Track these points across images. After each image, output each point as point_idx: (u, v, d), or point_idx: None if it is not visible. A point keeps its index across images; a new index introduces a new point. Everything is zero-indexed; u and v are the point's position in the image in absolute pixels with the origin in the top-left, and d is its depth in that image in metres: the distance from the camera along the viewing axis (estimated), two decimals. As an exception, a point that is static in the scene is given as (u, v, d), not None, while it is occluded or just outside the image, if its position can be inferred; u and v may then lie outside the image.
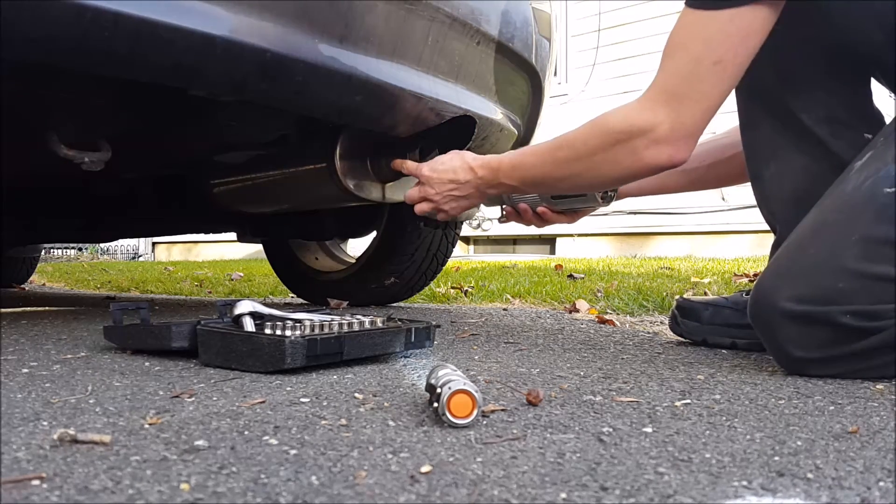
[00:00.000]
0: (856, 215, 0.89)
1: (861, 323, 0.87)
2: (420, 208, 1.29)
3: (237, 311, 1.02)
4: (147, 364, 1.01)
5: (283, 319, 1.06)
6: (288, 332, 0.95)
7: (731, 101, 1.18)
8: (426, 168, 1.27)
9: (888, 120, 1.00)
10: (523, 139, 1.73)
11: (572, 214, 1.32)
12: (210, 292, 3.02)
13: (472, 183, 1.20)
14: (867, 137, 1.01)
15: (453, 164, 1.23)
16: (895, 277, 0.85)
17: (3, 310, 2.01)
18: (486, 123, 1.50)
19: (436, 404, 0.67)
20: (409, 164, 1.34)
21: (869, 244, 0.87)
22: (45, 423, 0.66)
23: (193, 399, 0.78)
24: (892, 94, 1.03)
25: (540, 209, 1.30)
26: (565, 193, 1.24)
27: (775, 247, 1.12)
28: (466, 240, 6.90)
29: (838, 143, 1.04)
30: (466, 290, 2.44)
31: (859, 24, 0.95)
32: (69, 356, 1.07)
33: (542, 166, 1.09)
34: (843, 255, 0.88)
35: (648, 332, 1.44)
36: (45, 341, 1.25)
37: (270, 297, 2.70)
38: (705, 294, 2.06)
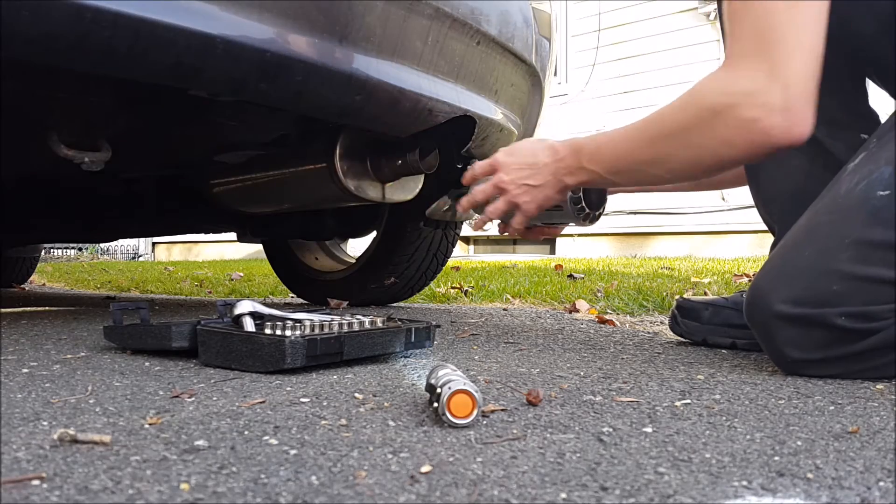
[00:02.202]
0: (849, 218, 0.89)
1: (857, 325, 0.87)
2: (494, 209, 1.11)
3: (237, 311, 1.02)
4: (147, 364, 1.01)
5: (283, 319, 1.06)
6: (288, 332, 0.95)
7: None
8: (502, 153, 1.10)
9: (883, 119, 1.00)
10: (523, 139, 1.73)
11: (556, 228, 1.22)
12: (210, 292, 3.02)
13: (549, 167, 1.04)
14: (863, 137, 1.01)
15: (533, 147, 1.08)
16: (891, 279, 0.85)
17: (3, 310, 2.01)
18: (486, 123, 1.50)
19: (436, 404, 0.67)
20: (479, 164, 1.14)
21: (862, 246, 0.87)
22: (45, 423, 0.66)
23: (193, 399, 0.78)
24: (892, 95, 1.03)
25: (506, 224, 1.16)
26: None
27: (774, 247, 1.12)
28: (466, 240, 6.90)
29: (836, 143, 1.04)
30: (466, 290, 2.44)
31: (853, 11, 0.94)
32: (69, 356, 1.07)
33: (629, 146, 0.96)
34: (837, 257, 0.88)
35: (648, 332, 1.44)
36: (45, 341, 1.24)
37: (270, 297, 2.70)
38: (705, 294, 2.06)
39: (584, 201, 1.13)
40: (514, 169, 1.07)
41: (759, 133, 0.84)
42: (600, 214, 1.17)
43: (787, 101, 0.83)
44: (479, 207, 1.15)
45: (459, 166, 1.30)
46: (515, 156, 1.08)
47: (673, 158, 0.93)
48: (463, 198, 1.16)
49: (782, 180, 1.09)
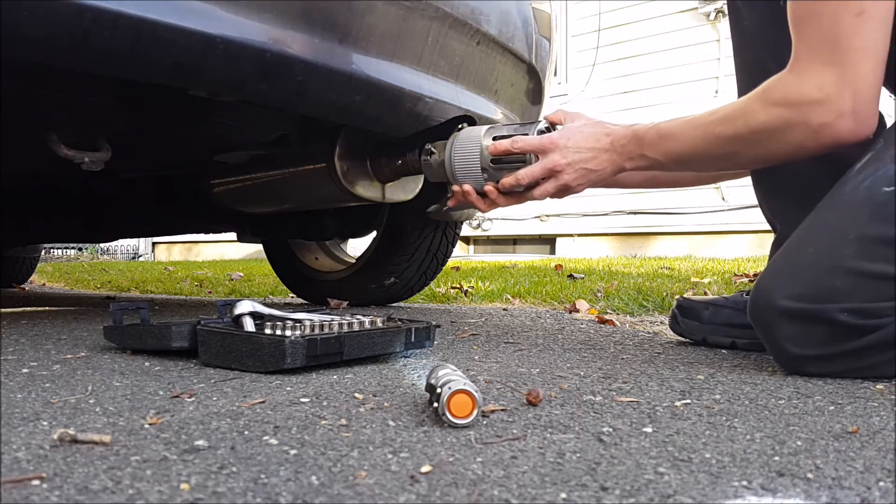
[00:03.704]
0: (854, 214, 0.89)
1: (858, 321, 0.87)
2: (542, 191, 1.09)
3: (237, 311, 1.02)
4: (147, 364, 1.01)
5: (283, 319, 1.06)
6: (288, 332, 0.95)
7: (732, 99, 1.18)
8: (557, 135, 1.07)
9: (889, 121, 1.00)
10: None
11: (519, 196, 1.15)
12: (210, 292, 3.02)
13: (610, 153, 1.04)
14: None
15: (591, 131, 1.05)
16: (893, 275, 0.85)
17: (3, 310, 2.01)
18: (486, 124, 1.50)
19: (436, 404, 0.67)
20: (525, 140, 1.08)
21: (866, 243, 0.87)
22: (45, 423, 0.66)
23: (193, 399, 0.78)
24: (892, 95, 1.03)
25: (487, 188, 1.14)
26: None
27: (775, 245, 1.12)
28: (466, 240, 6.90)
29: None
30: (466, 290, 2.44)
31: None
32: (69, 356, 1.07)
33: (694, 141, 0.99)
34: (841, 253, 0.88)
35: (648, 332, 1.44)
36: (45, 341, 1.24)
37: (270, 297, 2.70)
38: (705, 294, 2.06)
39: None
40: (573, 152, 1.05)
41: (829, 136, 0.89)
42: None
43: (856, 106, 0.87)
44: (511, 192, 1.12)
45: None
46: (573, 139, 1.05)
47: (741, 156, 0.98)
48: (505, 178, 1.11)
49: (786, 177, 1.09)
